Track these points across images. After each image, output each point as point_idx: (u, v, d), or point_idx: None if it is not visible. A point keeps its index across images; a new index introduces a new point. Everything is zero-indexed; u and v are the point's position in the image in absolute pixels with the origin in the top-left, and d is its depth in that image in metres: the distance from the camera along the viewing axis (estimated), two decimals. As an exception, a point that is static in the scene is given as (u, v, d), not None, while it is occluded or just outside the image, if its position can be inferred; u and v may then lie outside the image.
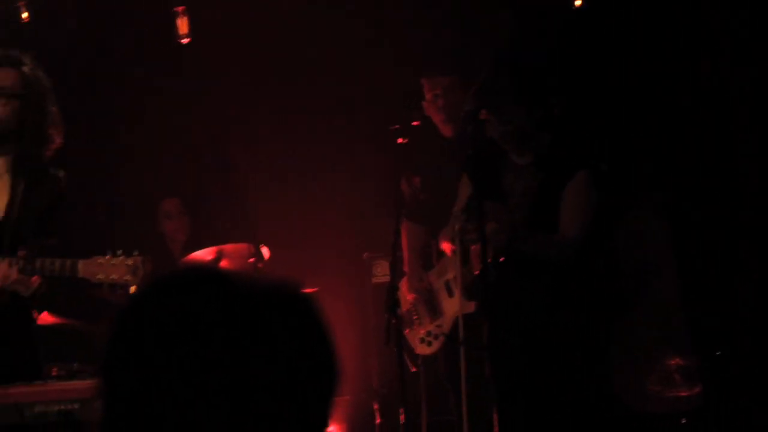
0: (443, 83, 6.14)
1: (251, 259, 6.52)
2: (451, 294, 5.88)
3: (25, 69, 4.70)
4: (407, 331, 6.00)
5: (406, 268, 6.17)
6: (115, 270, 4.22)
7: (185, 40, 7.28)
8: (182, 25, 7.26)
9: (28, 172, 4.68)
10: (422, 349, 6.12)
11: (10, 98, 4.63)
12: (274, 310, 1.42)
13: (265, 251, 6.61)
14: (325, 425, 1.46)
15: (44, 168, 4.73)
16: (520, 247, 5.04)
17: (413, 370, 6.29)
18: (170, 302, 1.41)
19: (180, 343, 1.37)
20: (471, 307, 5.31)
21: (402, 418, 5.54)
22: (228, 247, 6.78)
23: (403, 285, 6.05)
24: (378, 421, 6.94)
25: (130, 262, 4.22)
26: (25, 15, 7.28)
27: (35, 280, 4.38)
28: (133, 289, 4.21)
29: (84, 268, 4.25)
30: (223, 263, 6.64)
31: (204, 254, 6.76)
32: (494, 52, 6.16)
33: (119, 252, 4.25)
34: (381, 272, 7.03)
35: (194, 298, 1.40)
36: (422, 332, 6.08)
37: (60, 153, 4.76)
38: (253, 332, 1.38)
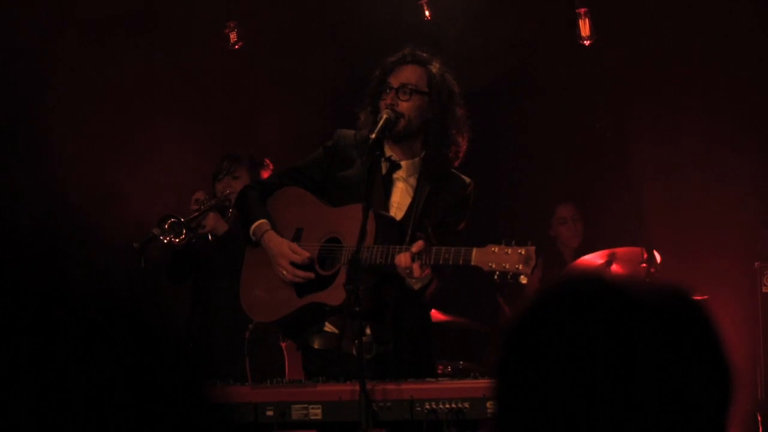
0: None
1: (643, 264, 6.53)
2: None
3: (432, 68, 4.69)
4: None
5: None
6: (507, 259, 4.13)
7: (587, 42, 7.37)
8: (584, 27, 7.36)
9: (433, 174, 4.66)
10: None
11: (414, 94, 4.62)
12: (666, 317, 1.42)
13: (657, 255, 6.61)
14: None
15: (449, 171, 4.72)
16: None
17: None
18: (563, 311, 1.45)
19: (573, 352, 1.41)
20: None
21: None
22: (620, 251, 6.82)
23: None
24: (761, 432, 6.80)
25: (522, 251, 4.15)
26: (426, 14, 7.60)
27: (427, 272, 4.34)
28: (524, 279, 4.13)
29: (477, 256, 4.19)
30: (614, 267, 6.68)
31: (595, 257, 6.85)
32: None
33: (512, 242, 4.17)
34: (771, 282, 6.90)
35: (587, 307, 1.44)
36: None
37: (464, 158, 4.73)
38: (644, 339, 1.40)
